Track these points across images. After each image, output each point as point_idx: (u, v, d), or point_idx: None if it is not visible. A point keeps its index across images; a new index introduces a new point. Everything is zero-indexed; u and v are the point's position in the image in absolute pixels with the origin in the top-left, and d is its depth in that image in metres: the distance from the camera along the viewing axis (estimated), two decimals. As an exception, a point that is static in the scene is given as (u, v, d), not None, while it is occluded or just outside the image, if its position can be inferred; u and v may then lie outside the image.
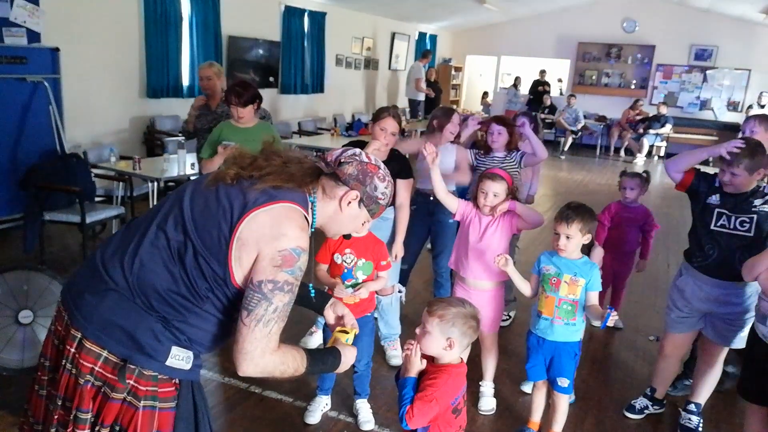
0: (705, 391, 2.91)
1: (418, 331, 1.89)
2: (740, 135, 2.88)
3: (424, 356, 1.89)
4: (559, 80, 14.40)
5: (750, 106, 11.61)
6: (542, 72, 13.25)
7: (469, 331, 1.85)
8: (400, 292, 3.45)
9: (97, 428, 1.42)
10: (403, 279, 3.66)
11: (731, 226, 2.59)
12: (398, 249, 3.28)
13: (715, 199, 2.64)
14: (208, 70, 4.32)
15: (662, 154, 12.34)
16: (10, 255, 4.65)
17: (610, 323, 2.35)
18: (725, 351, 2.83)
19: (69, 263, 4.51)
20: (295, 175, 1.48)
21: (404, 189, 3.25)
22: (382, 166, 1.62)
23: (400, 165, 3.23)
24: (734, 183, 2.54)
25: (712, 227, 2.63)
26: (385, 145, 3.14)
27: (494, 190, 2.83)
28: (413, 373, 1.85)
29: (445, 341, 1.83)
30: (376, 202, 1.58)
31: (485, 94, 14.87)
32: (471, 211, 2.96)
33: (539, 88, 13.11)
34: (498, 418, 2.98)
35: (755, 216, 2.55)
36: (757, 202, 2.56)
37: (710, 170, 2.77)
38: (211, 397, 2.93)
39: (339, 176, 1.54)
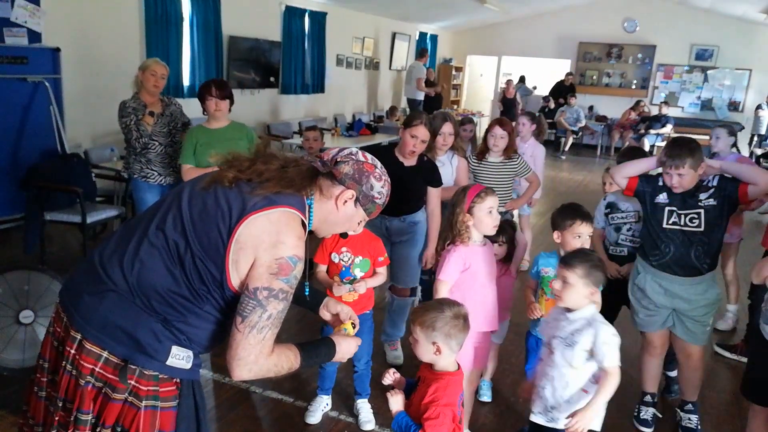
0: (695, 389, 2.92)
1: (411, 340, 1.88)
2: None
3: (422, 364, 1.89)
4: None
5: (759, 106, 11.60)
6: (570, 74, 12.91)
7: (453, 331, 1.80)
8: (413, 296, 3.43)
9: (98, 429, 1.42)
10: (426, 289, 3.57)
11: (682, 223, 2.63)
12: (429, 256, 3.24)
13: (663, 198, 2.68)
14: (164, 68, 3.98)
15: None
16: (11, 255, 4.66)
17: None
18: (702, 349, 2.83)
19: (69, 263, 4.50)
20: (295, 180, 1.48)
21: (435, 197, 3.24)
22: (379, 165, 1.61)
23: (430, 173, 3.22)
24: (683, 184, 2.59)
25: (664, 225, 2.67)
26: (412, 153, 3.12)
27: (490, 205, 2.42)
28: (399, 408, 1.84)
29: (432, 346, 1.81)
30: (372, 202, 1.58)
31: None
32: (471, 254, 2.44)
33: (561, 99, 12.70)
34: (498, 418, 2.99)
35: (702, 211, 2.60)
36: (702, 196, 2.61)
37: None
38: (211, 397, 2.93)
39: (335, 175, 1.54)
